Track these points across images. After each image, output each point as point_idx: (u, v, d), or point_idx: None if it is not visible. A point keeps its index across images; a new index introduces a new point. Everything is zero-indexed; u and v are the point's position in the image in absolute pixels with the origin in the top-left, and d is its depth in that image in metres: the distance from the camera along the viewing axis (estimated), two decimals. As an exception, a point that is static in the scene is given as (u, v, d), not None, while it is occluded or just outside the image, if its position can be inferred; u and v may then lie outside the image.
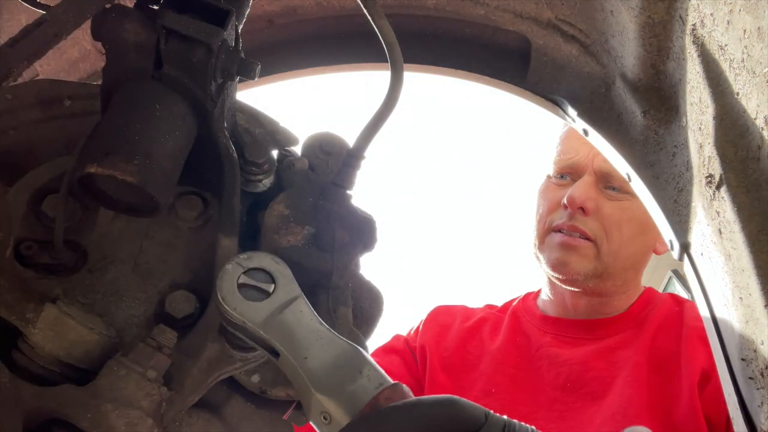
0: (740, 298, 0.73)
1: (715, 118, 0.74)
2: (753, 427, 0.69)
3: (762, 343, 0.68)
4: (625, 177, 1.04)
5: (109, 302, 0.66)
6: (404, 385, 0.56)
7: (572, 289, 1.48)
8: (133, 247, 0.69)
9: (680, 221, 0.89)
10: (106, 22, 0.63)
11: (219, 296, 0.58)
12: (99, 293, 0.66)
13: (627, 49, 0.95)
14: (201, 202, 0.72)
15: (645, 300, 1.50)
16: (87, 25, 0.64)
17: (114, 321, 0.65)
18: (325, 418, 0.53)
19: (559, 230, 1.46)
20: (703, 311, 0.86)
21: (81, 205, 0.67)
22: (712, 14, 0.73)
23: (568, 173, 1.50)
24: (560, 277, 1.45)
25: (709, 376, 1.25)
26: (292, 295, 0.60)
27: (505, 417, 0.53)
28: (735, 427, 0.73)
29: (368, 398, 0.53)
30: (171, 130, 0.63)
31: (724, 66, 0.72)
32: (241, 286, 0.59)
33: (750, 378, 0.72)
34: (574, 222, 1.42)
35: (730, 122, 0.72)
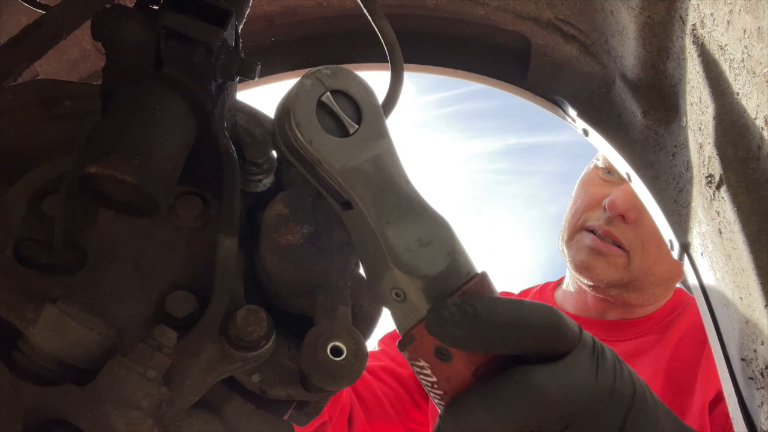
0: (740, 298, 0.73)
1: (715, 118, 0.74)
2: (753, 427, 0.69)
3: (762, 343, 0.68)
4: (625, 177, 1.04)
5: (109, 302, 0.66)
6: (490, 277, 0.50)
7: (595, 294, 1.42)
8: (133, 247, 0.69)
9: (680, 221, 0.89)
10: (106, 22, 0.63)
11: (293, 121, 0.46)
12: (99, 293, 0.66)
13: (627, 49, 0.95)
14: (201, 202, 0.72)
15: (673, 303, 1.42)
16: (87, 25, 0.64)
17: (114, 321, 0.65)
18: (397, 295, 0.48)
19: (592, 231, 1.38)
20: (703, 311, 0.86)
21: (81, 205, 0.67)
22: (712, 14, 0.73)
23: (611, 172, 1.42)
24: (583, 280, 1.39)
25: (722, 396, 1.19)
26: (383, 139, 0.48)
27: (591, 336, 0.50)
28: (735, 427, 0.73)
29: (454, 286, 0.47)
30: (171, 130, 0.63)
31: (724, 66, 0.72)
32: (320, 111, 0.47)
33: (750, 378, 0.72)
34: (610, 228, 1.34)
35: (730, 122, 0.72)
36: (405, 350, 0.48)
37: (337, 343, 0.65)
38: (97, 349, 0.60)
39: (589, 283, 1.39)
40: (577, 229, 1.42)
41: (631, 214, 1.32)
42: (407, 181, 0.50)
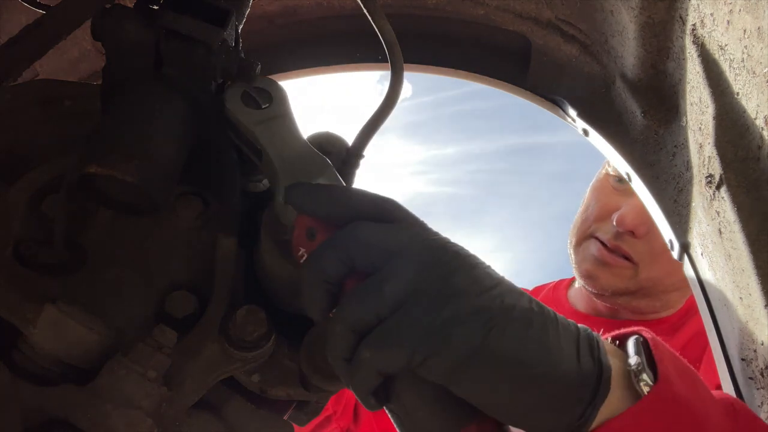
0: (740, 298, 0.73)
1: (715, 118, 0.74)
2: (753, 427, 0.69)
3: (762, 343, 0.68)
4: (625, 177, 1.04)
5: (109, 302, 0.65)
6: None
7: (601, 302, 1.42)
8: (133, 246, 0.69)
9: (680, 221, 0.89)
10: (106, 22, 0.63)
11: (225, 100, 0.67)
12: (99, 293, 0.66)
13: (627, 49, 0.95)
14: (201, 202, 0.72)
15: (687, 306, 1.40)
16: (87, 25, 0.64)
17: (114, 321, 0.64)
18: (285, 201, 0.62)
19: (600, 240, 1.37)
20: (703, 311, 0.86)
21: (81, 205, 0.67)
22: (712, 14, 0.73)
23: (623, 178, 1.39)
24: (587, 288, 1.39)
25: None
26: (284, 112, 0.69)
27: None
28: (735, 427, 0.73)
29: None
30: (171, 130, 0.63)
31: (724, 66, 0.72)
32: (245, 98, 0.68)
33: (750, 378, 0.72)
34: (619, 242, 1.34)
35: (730, 122, 0.72)
36: (292, 244, 0.61)
37: None
38: (97, 349, 0.60)
39: (594, 291, 1.38)
40: (585, 237, 1.41)
41: (640, 230, 1.32)
42: (300, 138, 0.68)
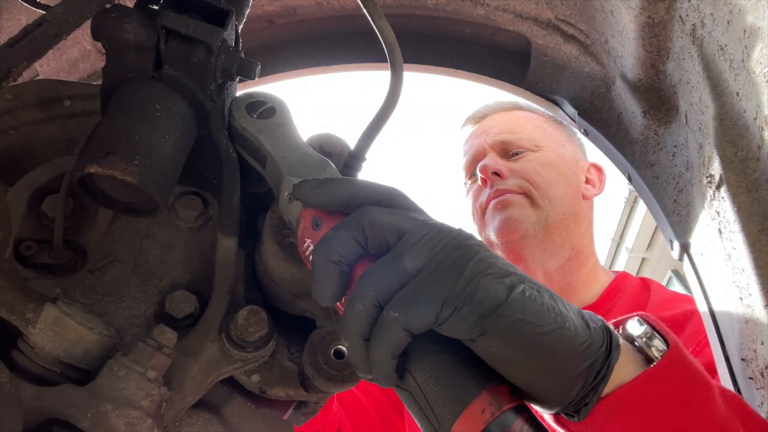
0: (740, 298, 0.73)
1: (715, 118, 0.74)
2: (753, 427, 0.69)
3: (762, 343, 0.68)
4: (626, 177, 1.04)
5: (109, 302, 0.66)
6: None
7: (526, 251, 1.47)
8: (133, 247, 0.69)
9: (680, 221, 0.89)
10: (106, 22, 0.63)
11: (231, 110, 0.72)
12: (99, 293, 0.66)
13: (627, 49, 0.95)
14: (201, 202, 0.72)
15: (614, 288, 1.48)
16: (87, 25, 0.64)
17: (114, 321, 0.65)
18: (290, 199, 0.64)
19: (488, 203, 1.52)
20: (703, 311, 0.86)
21: (81, 205, 0.67)
22: (712, 14, 0.73)
23: (474, 169, 1.56)
24: (510, 235, 1.46)
25: None
26: (286, 122, 0.73)
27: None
28: (735, 427, 0.73)
29: None
30: (171, 130, 0.63)
31: (724, 66, 0.72)
32: (250, 108, 0.73)
33: (750, 378, 0.72)
34: (497, 188, 1.48)
35: (730, 122, 0.72)
36: (296, 237, 0.62)
37: (340, 346, 0.65)
38: (97, 349, 0.60)
39: (517, 236, 1.45)
40: (482, 214, 1.55)
41: (500, 168, 1.47)
42: (302, 143, 0.71)
